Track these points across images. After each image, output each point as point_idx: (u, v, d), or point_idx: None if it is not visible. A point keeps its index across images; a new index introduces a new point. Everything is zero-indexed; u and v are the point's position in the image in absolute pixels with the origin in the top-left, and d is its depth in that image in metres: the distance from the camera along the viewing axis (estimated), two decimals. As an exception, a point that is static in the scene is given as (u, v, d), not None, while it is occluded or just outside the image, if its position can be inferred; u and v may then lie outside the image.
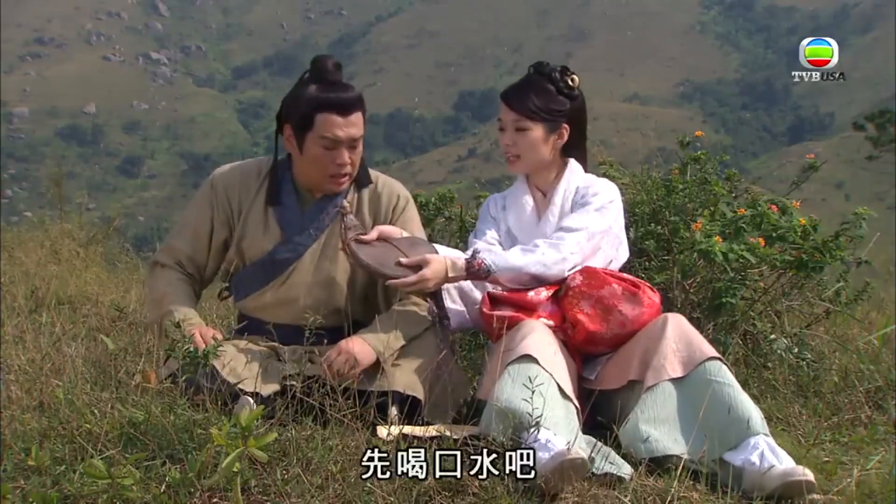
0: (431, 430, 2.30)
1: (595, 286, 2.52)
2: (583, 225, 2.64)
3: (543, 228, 2.73)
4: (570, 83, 2.75)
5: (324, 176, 2.64)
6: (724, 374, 2.33)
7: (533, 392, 2.15)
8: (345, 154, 2.60)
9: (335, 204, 2.69)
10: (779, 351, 3.22)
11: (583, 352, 2.59)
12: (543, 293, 2.58)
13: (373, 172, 2.81)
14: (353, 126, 2.59)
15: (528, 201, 2.82)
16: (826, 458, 2.42)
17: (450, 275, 2.52)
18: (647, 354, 2.42)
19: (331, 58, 2.65)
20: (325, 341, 2.55)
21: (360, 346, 2.46)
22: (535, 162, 2.77)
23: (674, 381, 2.35)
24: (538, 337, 2.39)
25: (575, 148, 2.83)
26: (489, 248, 2.69)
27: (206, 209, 2.74)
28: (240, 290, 2.74)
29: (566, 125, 2.76)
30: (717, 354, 2.39)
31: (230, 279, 2.79)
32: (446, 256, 2.54)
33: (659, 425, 2.28)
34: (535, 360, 2.30)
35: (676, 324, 2.45)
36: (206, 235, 2.73)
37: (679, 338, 2.41)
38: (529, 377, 2.20)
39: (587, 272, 2.56)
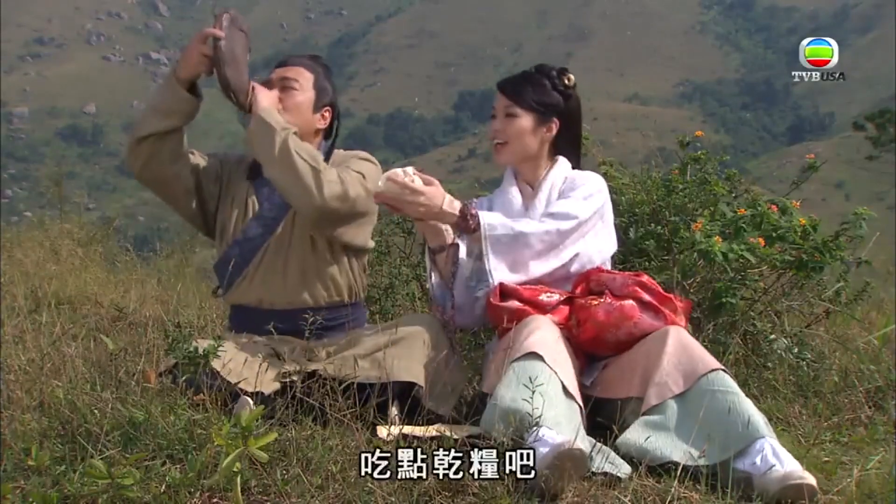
0: (431, 430, 2.30)
1: (618, 305, 2.51)
2: (571, 212, 2.64)
3: (531, 217, 2.72)
4: (566, 81, 2.78)
5: None
6: (726, 383, 2.30)
7: (533, 393, 2.14)
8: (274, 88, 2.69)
9: None
10: (779, 351, 3.21)
11: (585, 352, 2.58)
12: (555, 297, 2.57)
13: (347, 151, 2.84)
14: (287, 70, 2.74)
15: (516, 194, 2.81)
16: (826, 458, 2.41)
17: (444, 207, 2.55)
18: (648, 371, 2.39)
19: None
20: (325, 339, 2.55)
21: (274, 103, 2.64)
22: (521, 151, 2.78)
23: (676, 397, 2.33)
24: (544, 333, 2.37)
25: (566, 148, 2.83)
26: (491, 213, 2.68)
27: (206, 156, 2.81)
28: (225, 279, 2.71)
29: (556, 120, 2.77)
30: (719, 366, 2.35)
31: (216, 271, 2.78)
32: (447, 194, 2.59)
33: (659, 436, 2.27)
34: (540, 358, 2.28)
35: (677, 338, 2.42)
36: (205, 162, 2.78)
37: (681, 352, 2.38)
38: (532, 376, 2.19)
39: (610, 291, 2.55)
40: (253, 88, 2.60)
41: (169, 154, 2.64)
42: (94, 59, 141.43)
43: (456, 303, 2.66)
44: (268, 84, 2.70)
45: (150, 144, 2.61)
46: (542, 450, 2.03)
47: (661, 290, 2.56)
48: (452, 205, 2.56)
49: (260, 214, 2.69)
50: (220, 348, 2.23)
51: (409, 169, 2.57)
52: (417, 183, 2.52)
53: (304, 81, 2.73)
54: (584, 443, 2.17)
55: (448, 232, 2.66)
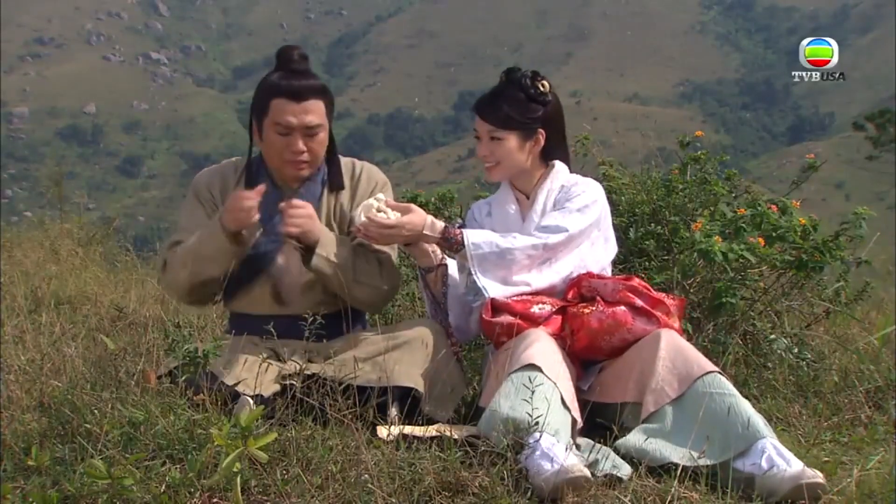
0: (431, 430, 2.30)
1: (611, 312, 2.50)
2: (561, 224, 2.63)
3: (528, 229, 2.71)
4: (542, 88, 2.72)
5: (281, 162, 2.64)
6: (723, 385, 2.30)
7: (533, 392, 2.14)
8: (299, 142, 2.60)
9: (311, 192, 2.68)
10: (779, 351, 3.21)
11: (580, 358, 2.58)
12: (547, 308, 2.56)
13: (350, 159, 2.82)
14: (307, 113, 2.58)
15: (512, 205, 2.80)
16: (826, 458, 2.41)
17: (426, 232, 2.56)
18: (644, 376, 2.38)
19: (297, 48, 2.66)
20: (325, 339, 2.55)
21: (319, 225, 2.58)
22: (514, 169, 2.76)
23: (672, 402, 2.32)
24: (543, 346, 2.37)
25: (556, 150, 2.80)
26: (476, 230, 2.67)
27: (195, 208, 2.74)
28: (229, 289, 2.70)
29: (542, 130, 2.73)
30: (713, 368, 2.35)
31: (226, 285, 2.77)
32: (429, 216, 2.59)
33: (658, 439, 2.27)
34: (538, 369, 2.27)
35: (669, 340, 2.42)
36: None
37: (674, 355, 2.38)
38: (531, 385, 2.18)
39: (605, 302, 2.53)
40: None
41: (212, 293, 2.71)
42: (94, 59, 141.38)
43: (451, 322, 2.67)
44: (287, 128, 2.56)
45: (193, 292, 2.67)
46: (545, 464, 2.02)
47: (652, 293, 2.55)
48: (434, 227, 2.56)
49: (269, 231, 2.64)
50: (220, 349, 2.23)
51: (381, 196, 2.60)
52: (393, 215, 2.53)
53: (323, 119, 2.62)
54: (575, 454, 2.16)
55: (436, 253, 2.66)
